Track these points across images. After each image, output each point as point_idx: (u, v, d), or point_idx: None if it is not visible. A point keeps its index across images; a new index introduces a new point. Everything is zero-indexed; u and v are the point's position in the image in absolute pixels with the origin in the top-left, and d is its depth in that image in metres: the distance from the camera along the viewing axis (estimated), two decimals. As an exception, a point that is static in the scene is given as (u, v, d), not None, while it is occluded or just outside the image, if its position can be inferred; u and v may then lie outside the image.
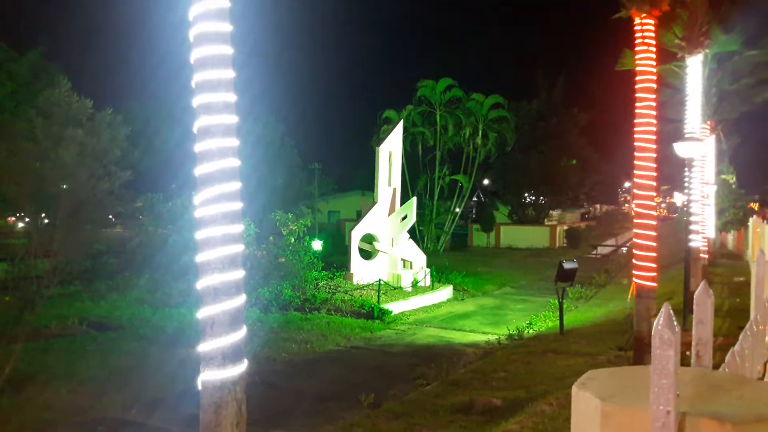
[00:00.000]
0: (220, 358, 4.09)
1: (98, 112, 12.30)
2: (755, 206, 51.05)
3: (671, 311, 1.13)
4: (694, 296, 1.46)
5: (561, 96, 44.38)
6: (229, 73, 4.20)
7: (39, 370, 10.02)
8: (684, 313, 11.14)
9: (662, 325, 1.10)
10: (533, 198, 46.89)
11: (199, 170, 4.17)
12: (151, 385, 9.36)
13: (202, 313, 4.14)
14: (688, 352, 1.64)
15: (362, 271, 19.29)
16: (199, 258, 4.19)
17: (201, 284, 4.18)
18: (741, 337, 2.61)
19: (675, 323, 1.13)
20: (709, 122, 19.56)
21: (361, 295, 17.17)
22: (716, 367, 2.24)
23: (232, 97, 4.21)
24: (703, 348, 1.44)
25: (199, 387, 4.09)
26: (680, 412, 1.11)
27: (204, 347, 4.10)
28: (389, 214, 20.31)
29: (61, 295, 15.18)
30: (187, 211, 14.09)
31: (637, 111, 9.21)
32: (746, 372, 2.45)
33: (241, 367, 4.15)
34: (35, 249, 9.82)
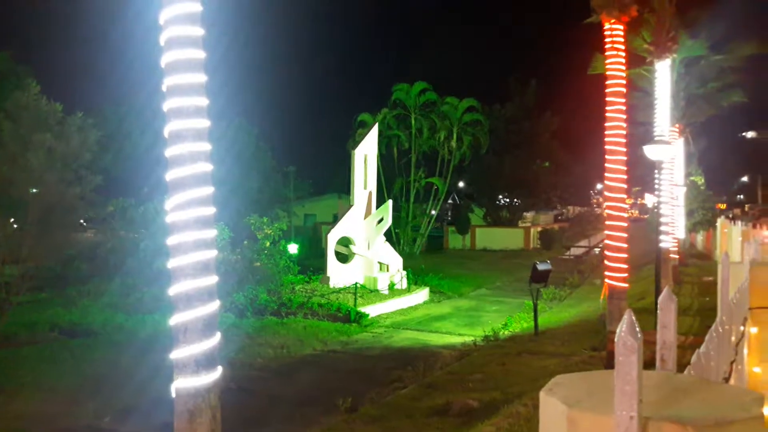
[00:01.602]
0: (193, 365, 4.05)
1: (68, 115, 12.11)
2: (723, 206, 52.19)
3: (633, 318, 1.16)
4: (658, 301, 1.49)
5: (534, 100, 44.82)
6: (201, 77, 4.18)
7: (9, 379, 9.80)
8: (655, 312, 11.33)
9: (625, 332, 1.12)
10: (507, 200, 47.27)
11: (170, 175, 4.14)
12: (123, 393, 9.22)
13: (175, 320, 4.09)
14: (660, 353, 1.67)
15: (339, 275, 19.23)
16: (172, 264, 4.15)
17: (173, 290, 4.13)
18: (707, 338, 2.66)
19: (638, 329, 1.15)
20: (677, 125, 19.95)
21: (337, 299, 17.13)
22: (685, 366, 2.28)
23: (203, 101, 4.19)
24: (668, 352, 1.48)
25: (173, 395, 4.04)
26: (643, 417, 1.13)
27: (177, 354, 4.06)
28: (365, 217, 20.28)
29: (31, 301, 14.87)
30: (160, 216, 13.93)
31: (607, 114, 9.36)
32: (712, 373, 2.50)
33: (215, 374, 4.11)
34: (4, 255, 9.62)
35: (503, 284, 23.84)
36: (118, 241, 15.57)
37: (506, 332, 14.39)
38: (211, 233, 4.24)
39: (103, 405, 8.64)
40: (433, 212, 38.50)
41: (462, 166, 39.53)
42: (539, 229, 44.54)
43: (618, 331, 1.09)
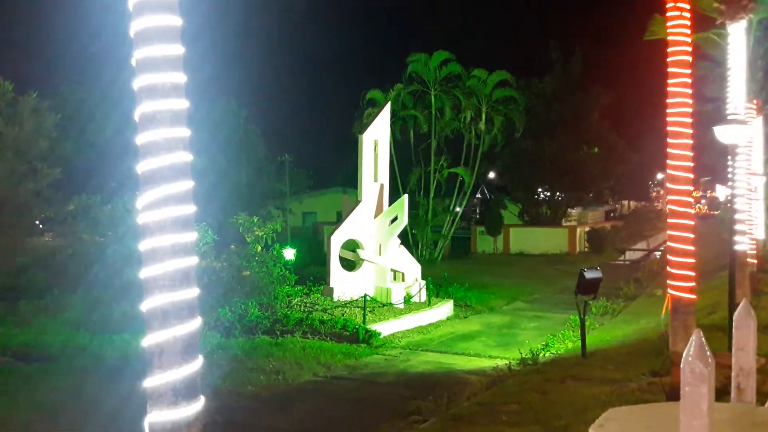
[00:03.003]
0: (170, 394, 4.04)
1: (20, 96, 12.22)
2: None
3: (703, 338, 1.14)
4: (734, 318, 1.47)
5: (579, 72, 44.57)
6: (178, 49, 4.11)
7: (-50, 412, 9.89)
8: (729, 330, 11.22)
9: (693, 356, 1.11)
10: (548, 194, 47.05)
11: (142, 166, 4.09)
12: (88, 428, 9.28)
13: (149, 341, 4.09)
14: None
15: (344, 285, 19.30)
16: (144, 273, 4.15)
17: (146, 305, 4.13)
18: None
19: (708, 352, 1.13)
20: (755, 101, 19.73)
21: (343, 314, 17.19)
22: (767, 396, 2.25)
23: (181, 78, 4.14)
24: (745, 379, 1.45)
25: (146, 430, 4.06)
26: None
27: (151, 382, 4.05)
28: (376, 216, 20.33)
29: (-23, 319, 15.05)
30: (130, 216, 14.02)
31: (669, 89, 9.28)
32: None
33: (197, 406, 4.12)
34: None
35: (543, 296, 23.78)
36: (81, 246, 15.69)
37: (547, 354, 14.39)
38: (192, 236, 4.18)
39: (64, 442, 8.71)
40: (458, 209, 38.41)
41: (492, 153, 39.40)
42: (587, 228, 44.39)
43: (685, 354, 1.07)
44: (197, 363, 3.99)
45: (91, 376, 11.88)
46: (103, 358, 13.06)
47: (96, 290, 15.00)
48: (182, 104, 4.12)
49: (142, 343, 4.00)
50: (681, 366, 1.11)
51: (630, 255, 42.34)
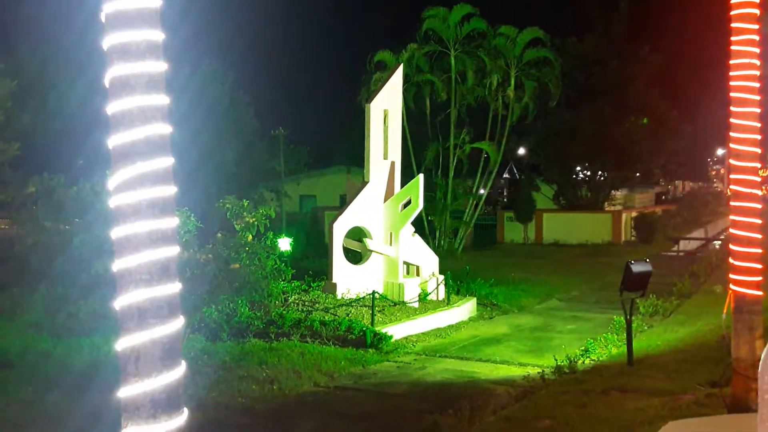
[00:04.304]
0: (149, 406, 4.07)
1: (-30, 60, 12.23)
2: None
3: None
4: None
5: (625, 29, 44.29)
6: (155, 1, 4.11)
7: None
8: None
9: (768, 359, 1.10)
10: (588, 173, 46.90)
11: (114, 140, 4.08)
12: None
13: (123, 344, 4.11)
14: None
15: (349, 281, 19.39)
16: (117, 266, 4.16)
17: (120, 303, 4.16)
18: None
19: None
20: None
21: (347, 314, 17.25)
22: None
23: (158, 35, 4.16)
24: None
25: (121, 448, 4.09)
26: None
27: (126, 392, 4.08)
28: (386, 199, 20.36)
29: None
30: (100, 200, 14.02)
31: (732, 48, 9.20)
32: None
33: (180, 420, 4.15)
34: None
35: (582, 293, 23.81)
36: (43, 236, 15.71)
37: (587, 361, 14.41)
38: (172, 222, 4.23)
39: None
40: (482, 191, 38.37)
41: (523, 125, 39.17)
42: (634, 214, 44.29)
43: (763, 358, 1.06)
44: (179, 370, 4.00)
45: (55, 386, 11.95)
46: (70, 366, 13.15)
47: (61, 287, 15.03)
48: (160, 67, 4.11)
49: (115, 347, 3.98)
50: (759, 372, 1.10)
51: (684, 245, 42.30)
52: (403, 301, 18.95)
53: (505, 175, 54.04)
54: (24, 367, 13.30)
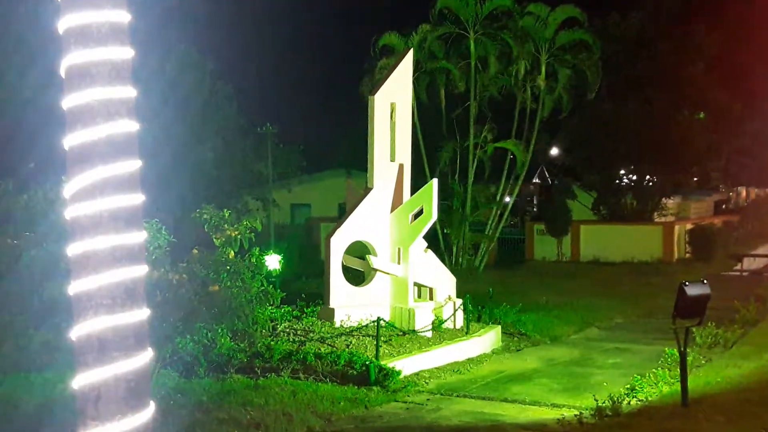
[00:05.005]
0: (111, 455, 4.09)
1: None
2: None
3: None
4: None
5: (676, 6, 44.26)
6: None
7: None
8: None
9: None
10: (634, 178, 46.76)
11: (71, 140, 4.17)
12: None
13: (81, 381, 4.14)
14: None
15: (349, 305, 19.25)
16: (75, 288, 4.19)
17: (78, 332, 4.18)
18: None
19: None
20: None
21: (348, 346, 17.13)
22: None
23: (124, 16, 4.24)
24: None
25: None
26: None
27: (85, 438, 4.10)
28: (393, 209, 20.25)
29: None
30: (54, 210, 14.02)
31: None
32: None
33: (148, 471, 4.16)
34: None
35: (627, 320, 23.65)
36: (-15, 252, 15.74)
37: (633, 401, 14.25)
38: (139, 237, 4.34)
39: None
40: (507, 199, 38.32)
41: (556, 120, 39.19)
42: (689, 226, 44.10)
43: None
44: (147, 412, 4.14)
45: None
46: (17, 406, 13.09)
47: (7, 313, 15.04)
48: (125, 53, 4.21)
49: (71, 384, 4.16)
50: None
51: (749, 263, 41.98)
52: (413, 330, 18.76)
53: (534, 180, 54.01)
54: (-37, 408, 13.26)
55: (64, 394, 12.19)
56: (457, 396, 15.31)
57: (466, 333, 19.47)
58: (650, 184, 46.08)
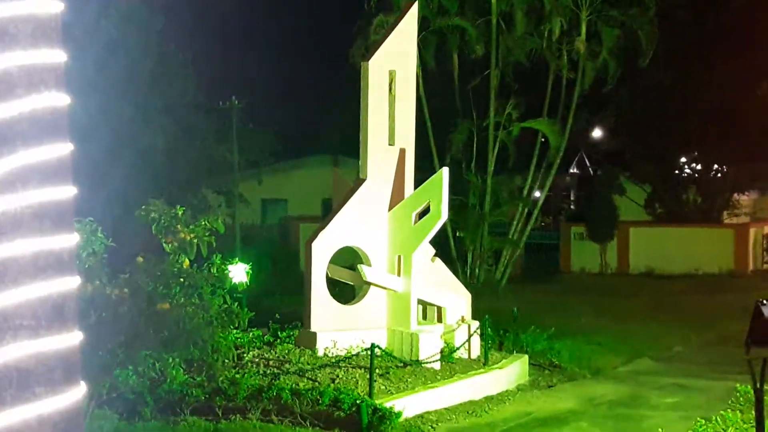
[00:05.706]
0: None
1: None
2: None
3: None
4: None
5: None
6: None
7: None
8: None
9: None
10: (699, 167, 46.81)
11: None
12: None
13: (-7, 426, 4.36)
14: None
15: (336, 328, 19.19)
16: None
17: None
18: None
19: None
20: None
21: (334, 380, 17.20)
22: None
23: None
24: None
25: None
26: None
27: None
28: (392, 206, 20.19)
29: None
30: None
31: None
32: None
33: None
34: None
35: (688, 349, 23.96)
36: None
37: (698, 453, 14.39)
38: (69, 240, 4.42)
39: None
40: (537, 194, 38.64)
41: (599, 94, 39.23)
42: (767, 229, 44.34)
43: None
44: None
45: None
46: None
47: None
48: (53, 6, 4.33)
49: None
50: None
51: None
52: (417, 360, 18.61)
53: (572, 170, 54.05)
54: None
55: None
56: (473, 446, 15.48)
57: (484, 364, 19.53)
58: (719, 175, 46.36)
